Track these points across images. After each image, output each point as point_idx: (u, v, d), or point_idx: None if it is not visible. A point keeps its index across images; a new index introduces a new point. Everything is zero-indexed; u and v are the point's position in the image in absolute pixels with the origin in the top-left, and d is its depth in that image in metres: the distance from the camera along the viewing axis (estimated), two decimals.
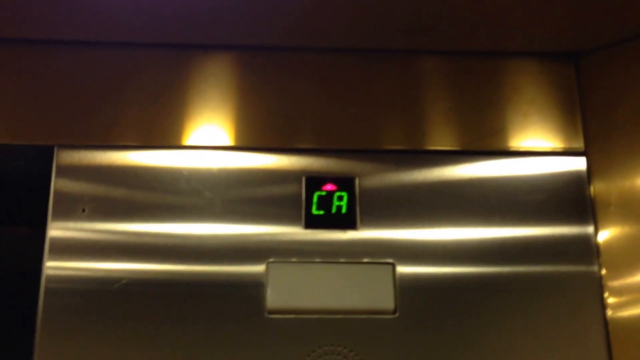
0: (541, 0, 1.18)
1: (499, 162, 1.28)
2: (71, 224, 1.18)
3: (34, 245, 1.17)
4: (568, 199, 1.27)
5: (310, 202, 1.23)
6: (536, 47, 1.32)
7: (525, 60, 1.33)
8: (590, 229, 1.25)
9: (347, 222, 1.23)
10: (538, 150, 1.29)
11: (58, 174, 1.21)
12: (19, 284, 1.24)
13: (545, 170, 1.28)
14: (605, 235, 1.24)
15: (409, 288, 1.20)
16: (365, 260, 1.21)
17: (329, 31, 1.26)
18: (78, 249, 1.17)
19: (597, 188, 1.27)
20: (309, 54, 1.31)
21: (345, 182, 1.25)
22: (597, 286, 1.22)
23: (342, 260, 1.21)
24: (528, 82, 1.33)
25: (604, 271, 1.22)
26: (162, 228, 1.20)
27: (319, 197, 1.24)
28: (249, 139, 1.26)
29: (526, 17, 1.22)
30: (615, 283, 1.21)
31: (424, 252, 1.22)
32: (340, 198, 1.24)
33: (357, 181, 1.25)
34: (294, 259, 1.20)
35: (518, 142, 1.29)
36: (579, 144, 1.30)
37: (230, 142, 1.26)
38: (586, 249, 1.24)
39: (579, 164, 1.29)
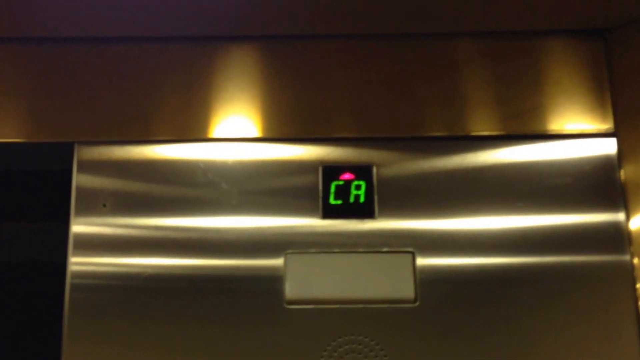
0: None
1: (524, 146, 1.23)
2: (93, 219, 1.21)
3: (58, 241, 1.20)
4: (597, 184, 1.21)
5: (328, 191, 1.22)
6: (562, 25, 1.25)
7: (552, 39, 1.27)
8: (621, 216, 1.19)
9: (365, 211, 1.21)
10: (566, 132, 1.23)
11: (79, 170, 1.23)
12: (45, 279, 1.28)
13: (573, 153, 1.23)
14: (637, 222, 1.18)
15: (429, 277, 1.17)
16: (385, 249, 1.19)
17: (349, 18, 1.24)
18: (101, 244, 1.20)
19: (628, 171, 1.20)
20: (328, 42, 1.29)
21: (362, 171, 1.23)
22: (629, 276, 1.17)
23: (361, 249, 1.19)
24: (554, 61, 1.27)
25: (636, 260, 1.17)
26: (181, 222, 1.21)
27: (337, 186, 1.22)
28: (265, 130, 1.25)
29: None
30: None
31: (444, 241, 1.19)
32: (358, 187, 1.22)
33: (374, 170, 1.23)
34: (312, 250, 1.19)
35: (544, 124, 1.24)
36: (609, 125, 1.23)
37: (245, 133, 1.25)
38: (617, 236, 1.18)
39: (609, 145, 1.23)
